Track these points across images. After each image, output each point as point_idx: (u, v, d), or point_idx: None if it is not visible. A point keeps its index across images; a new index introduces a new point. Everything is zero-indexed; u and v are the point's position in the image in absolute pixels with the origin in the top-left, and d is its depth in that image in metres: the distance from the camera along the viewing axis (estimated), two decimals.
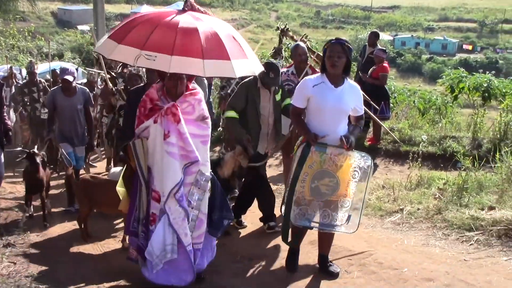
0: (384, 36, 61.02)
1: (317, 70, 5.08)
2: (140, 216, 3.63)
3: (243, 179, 4.99)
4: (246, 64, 3.52)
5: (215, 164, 4.35)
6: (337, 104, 3.63)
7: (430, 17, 78.28)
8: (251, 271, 4.11)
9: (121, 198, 4.09)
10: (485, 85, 10.69)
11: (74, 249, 4.63)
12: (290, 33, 7.05)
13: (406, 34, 68.82)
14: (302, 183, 3.59)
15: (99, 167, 8.35)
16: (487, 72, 11.59)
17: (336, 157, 3.59)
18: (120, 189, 4.06)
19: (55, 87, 5.99)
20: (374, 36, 9.44)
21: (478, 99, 11.16)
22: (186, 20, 3.37)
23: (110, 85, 6.26)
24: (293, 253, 4.00)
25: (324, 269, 3.92)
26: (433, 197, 5.44)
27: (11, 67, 9.17)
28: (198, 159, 3.45)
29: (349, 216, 3.68)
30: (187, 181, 3.50)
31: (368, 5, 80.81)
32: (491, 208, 4.77)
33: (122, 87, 6.16)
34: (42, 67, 11.91)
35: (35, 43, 24.07)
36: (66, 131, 5.67)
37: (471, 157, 5.90)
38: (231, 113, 4.69)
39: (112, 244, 4.81)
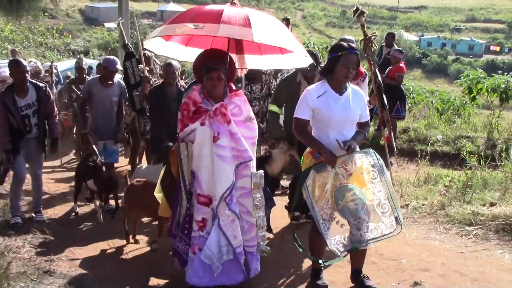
0: (410, 37, 60.52)
1: None
2: (180, 220, 3.59)
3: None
4: (294, 57, 3.67)
5: (263, 161, 4.38)
6: (344, 114, 3.40)
7: (457, 17, 76.98)
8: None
9: (160, 203, 4.00)
10: (503, 86, 10.71)
11: (92, 238, 4.86)
12: (363, 19, 6.42)
13: (432, 34, 67.91)
14: (326, 209, 3.34)
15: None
16: (505, 73, 11.51)
17: (345, 167, 3.36)
18: (158, 194, 3.97)
19: (92, 78, 6.10)
20: (391, 37, 9.63)
21: (496, 100, 11.19)
22: (233, 5, 3.46)
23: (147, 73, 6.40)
24: (317, 273, 3.65)
25: (360, 285, 3.58)
26: (439, 194, 5.59)
27: (51, 65, 9.03)
28: (251, 158, 3.41)
29: (396, 218, 3.34)
30: (238, 185, 3.44)
31: (395, 5, 79.97)
32: (492, 204, 4.92)
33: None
34: (68, 64, 12.40)
35: (63, 40, 24.78)
36: (100, 123, 5.65)
37: (477, 156, 6.02)
38: (274, 108, 4.70)
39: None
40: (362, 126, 3.56)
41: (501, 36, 67.78)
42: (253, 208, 3.50)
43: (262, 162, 4.37)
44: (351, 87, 3.52)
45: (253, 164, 3.53)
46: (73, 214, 5.49)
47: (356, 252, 3.48)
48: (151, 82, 6.01)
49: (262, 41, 3.23)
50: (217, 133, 3.31)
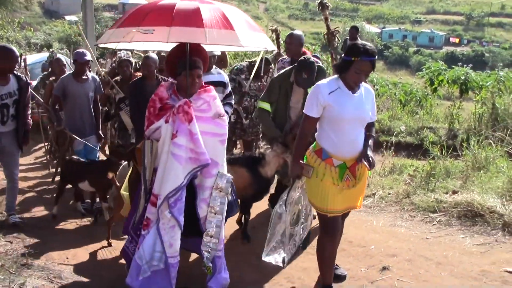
0: (372, 29, 61.54)
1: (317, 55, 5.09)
2: (135, 220, 3.46)
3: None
4: (256, 37, 3.38)
5: (256, 162, 4.28)
6: (357, 113, 3.18)
7: (418, 10, 78.88)
8: None
9: (125, 203, 3.93)
10: (462, 78, 11.11)
11: (67, 233, 4.87)
12: (327, 13, 6.53)
13: (393, 26, 69.44)
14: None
15: None
16: (465, 65, 11.93)
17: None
18: (124, 193, 3.86)
19: (65, 74, 5.74)
20: (354, 31, 9.89)
21: (456, 92, 11.61)
22: (185, 1, 3.28)
23: (105, 75, 6.30)
24: None
25: None
26: (404, 183, 5.82)
27: (24, 59, 8.88)
28: (208, 162, 3.19)
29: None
30: (207, 185, 3.29)
31: None
32: (455, 192, 5.16)
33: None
34: (30, 58, 12.03)
35: (24, 33, 23.99)
36: (77, 120, 5.42)
37: (439, 146, 6.29)
38: (265, 105, 4.46)
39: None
40: (368, 126, 3.32)
41: (460, 28, 70.00)
42: (208, 210, 3.29)
43: (255, 162, 4.30)
44: (363, 85, 3.29)
45: (223, 164, 3.39)
46: (52, 216, 5.23)
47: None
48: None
49: (214, 43, 3.15)
50: (176, 130, 3.17)
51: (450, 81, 11.31)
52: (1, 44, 5.37)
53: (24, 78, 4.80)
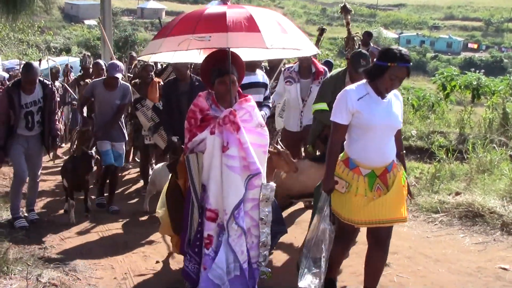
0: (390, 34, 61.48)
1: (318, 65, 5.21)
2: (191, 238, 3.35)
3: None
4: (308, 42, 3.31)
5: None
6: (387, 120, 3.05)
7: (436, 15, 78.33)
8: None
9: (161, 221, 3.85)
10: (474, 83, 11.18)
11: (82, 227, 5.14)
12: (349, 18, 6.54)
13: (411, 32, 69.06)
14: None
15: None
16: (478, 71, 11.99)
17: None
18: (160, 211, 3.80)
19: (97, 79, 5.84)
20: (367, 36, 10.03)
21: (469, 97, 11.67)
22: (231, 6, 3.20)
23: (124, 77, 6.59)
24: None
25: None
26: (410, 185, 5.95)
27: (67, 64, 9.27)
28: (260, 171, 3.12)
29: None
30: (250, 196, 3.18)
31: (374, 2, 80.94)
32: (458, 193, 5.31)
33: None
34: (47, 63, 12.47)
35: (43, 37, 24.59)
36: (102, 126, 5.49)
37: (445, 149, 6.43)
38: (321, 105, 4.38)
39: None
40: (398, 134, 3.22)
41: (478, 34, 69.29)
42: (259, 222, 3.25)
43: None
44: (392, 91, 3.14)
45: (264, 174, 3.28)
46: (64, 211, 5.54)
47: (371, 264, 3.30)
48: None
49: (275, 46, 3.00)
50: (226, 142, 3.07)
51: (462, 87, 11.39)
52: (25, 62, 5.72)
53: (50, 85, 5.05)
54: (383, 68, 2.96)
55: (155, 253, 4.38)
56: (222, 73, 3.19)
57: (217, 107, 3.25)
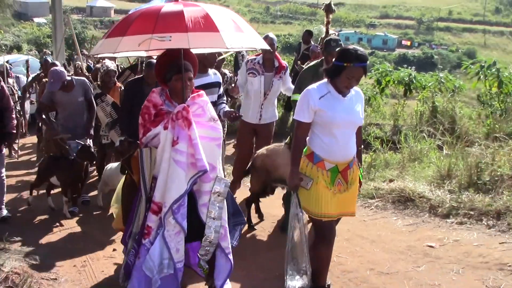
0: (329, 32, 62.90)
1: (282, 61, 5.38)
2: (134, 231, 3.38)
3: None
4: (256, 37, 3.28)
5: (246, 174, 4.48)
6: (348, 117, 3.14)
7: (372, 14, 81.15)
8: None
9: (114, 216, 3.93)
10: (407, 79, 11.87)
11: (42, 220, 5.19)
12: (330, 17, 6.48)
13: (350, 30, 71.13)
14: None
15: None
16: (410, 67, 12.71)
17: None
18: (114, 204, 3.86)
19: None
20: (308, 34, 10.37)
21: (401, 91, 12.37)
22: (186, 4, 3.14)
23: (86, 72, 6.57)
24: None
25: None
26: None
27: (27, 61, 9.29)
28: (205, 169, 3.09)
29: None
30: (206, 189, 3.20)
31: (315, 2, 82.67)
32: (391, 180, 5.72)
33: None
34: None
35: None
36: (70, 126, 5.47)
37: (380, 140, 6.87)
38: (296, 97, 4.28)
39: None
40: (359, 131, 3.32)
41: (411, 32, 72.57)
42: (207, 215, 3.20)
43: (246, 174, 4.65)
44: (353, 88, 3.21)
45: (220, 168, 3.33)
46: (27, 205, 5.61)
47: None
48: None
49: (234, 46, 3.03)
50: (177, 137, 3.10)
51: (396, 82, 12.05)
52: None
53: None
54: (340, 68, 3.03)
55: (111, 242, 4.60)
56: (180, 70, 3.18)
57: (170, 102, 3.27)
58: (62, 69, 5.78)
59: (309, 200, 3.18)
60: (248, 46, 3.25)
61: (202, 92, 3.37)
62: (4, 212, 5.13)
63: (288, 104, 8.98)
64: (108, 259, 4.23)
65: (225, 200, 3.25)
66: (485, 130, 7.12)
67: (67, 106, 5.45)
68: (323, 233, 3.28)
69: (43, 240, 4.65)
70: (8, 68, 9.28)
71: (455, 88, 10.24)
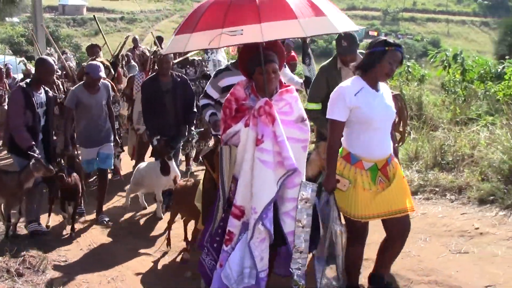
0: None
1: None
2: (212, 232, 3.13)
3: None
4: (343, 18, 2.99)
5: None
6: (385, 112, 3.01)
7: (340, 6, 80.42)
8: None
9: (201, 213, 3.64)
10: None
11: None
12: None
13: None
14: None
15: None
16: None
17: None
18: (198, 203, 3.62)
19: (75, 86, 5.25)
20: None
21: None
22: None
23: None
24: None
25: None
26: None
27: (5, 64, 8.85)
28: (295, 167, 2.82)
29: None
30: (289, 196, 2.93)
31: None
32: None
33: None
34: None
35: None
36: (92, 131, 5.08)
37: None
38: (312, 106, 4.04)
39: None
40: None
41: (377, 23, 74.18)
42: (295, 224, 2.91)
43: None
44: (379, 83, 3.07)
45: (303, 171, 3.05)
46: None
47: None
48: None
49: (313, 34, 2.83)
50: (261, 135, 2.82)
51: None
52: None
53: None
54: (382, 54, 2.92)
55: (110, 226, 5.13)
56: (264, 61, 2.92)
57: (256, 97, 3.00)
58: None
59: (346, 202, 3.03)
60: (329, 31, 2.92)
61: (291, 87, 3.08)
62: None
63: None
64: (109, 241, 4.79)
65: (312, 207, 2.94)
66: (449, 115, 7.62)
67: (92, 110, 5.02)
68: (357, 234, 3.15)
69: (50, 229, 4.97)
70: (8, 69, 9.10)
71: (421, 77, 10.79)
